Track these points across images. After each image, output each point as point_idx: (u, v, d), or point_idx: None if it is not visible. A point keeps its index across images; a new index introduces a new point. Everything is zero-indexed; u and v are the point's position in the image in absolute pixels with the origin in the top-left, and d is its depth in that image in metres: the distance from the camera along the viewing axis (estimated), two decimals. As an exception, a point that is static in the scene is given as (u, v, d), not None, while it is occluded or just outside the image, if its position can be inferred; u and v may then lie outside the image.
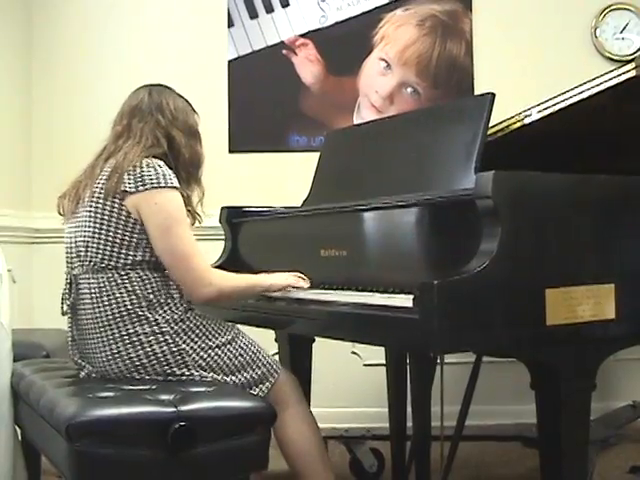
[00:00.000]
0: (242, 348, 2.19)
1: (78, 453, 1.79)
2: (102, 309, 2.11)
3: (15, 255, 3.50)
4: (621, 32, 3.93)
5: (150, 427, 1.84)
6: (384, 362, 2.89)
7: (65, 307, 2.22)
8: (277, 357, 2.80)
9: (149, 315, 2.10)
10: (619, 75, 2.06)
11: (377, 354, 3.06)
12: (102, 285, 2.12)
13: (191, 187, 2.30)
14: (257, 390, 2.16)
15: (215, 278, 2.16)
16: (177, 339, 2.10)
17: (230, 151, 3.94)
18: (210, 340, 2.15)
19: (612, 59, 3.87)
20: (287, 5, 3.96)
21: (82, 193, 2.21)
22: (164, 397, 1.92)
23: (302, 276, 2.31)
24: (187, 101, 2.36)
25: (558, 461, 1.85)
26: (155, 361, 2.09)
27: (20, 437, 2.37)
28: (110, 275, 2.12)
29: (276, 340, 2.82)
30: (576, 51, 3.92)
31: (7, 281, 2.39)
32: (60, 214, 2.30)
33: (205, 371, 2.12)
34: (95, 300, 2.12)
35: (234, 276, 2.27)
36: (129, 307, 2.09)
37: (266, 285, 2.26)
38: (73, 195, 2.24)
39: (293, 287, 2.27)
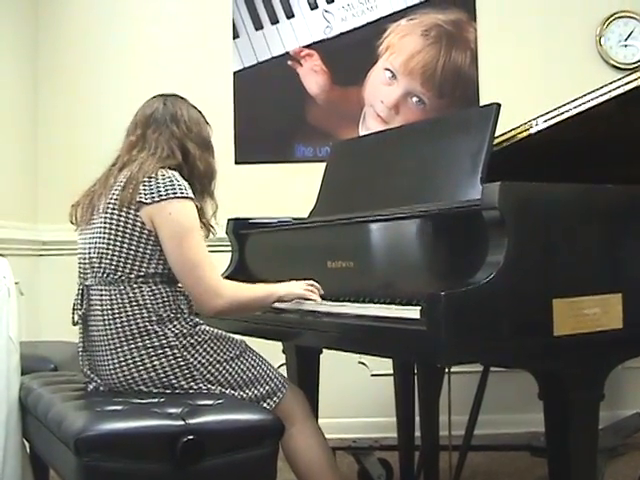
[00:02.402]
0: (250, 363, 2.18)
1: (87, 467, 1.79)
2: (112, 322, 2.11)
3: (22, 268, 3.50)
4: (626, 40, 3.94)
5: (158, 441, 1.84)
6: (391, 372, 2.89)
7: (76, 317, 2.21)
8: (284, 368, 2.80)
9: (158, 329, 2.09)
10: (625, 84, 2.07)
11: (384, 364, 3.06)
12: (113, 297, 2.11)
13: (204, 199, 2.29)
14: (264, 405, 2.15)
15: (226, 290, 2.14)
16: (185, 353, 2.10)
17: (236, 162, 3.95)
18: (218, 354, 2.14)
19: (617, 67, 3.89)
20: (292, 16, 3.98)
21: (97, 202, 2.20)
22: (172, 410, 1.92)
23: (315, 284, 2.26)
24: (200, 112, 2.36)
25: (566, 470, 1.85)
26: (163, 374, 2.08)
27: (28, 450, 2.37)
28: (122, 287, 2.11)
29: (283, 351, 2.82)
30: (581, 59, 3.93)
31: (14, 294, 2.39)
32: (72, 223, 2.30)
33: (213, 385, 2.11)
34: (106, 312, 2.12)
35: (246, 287, 2.24)
36: (139, 322, 2.09)
37: (279, 294, 2.22)
38: (87, 204, 2.24)
39: (306, 299, 2.23)
